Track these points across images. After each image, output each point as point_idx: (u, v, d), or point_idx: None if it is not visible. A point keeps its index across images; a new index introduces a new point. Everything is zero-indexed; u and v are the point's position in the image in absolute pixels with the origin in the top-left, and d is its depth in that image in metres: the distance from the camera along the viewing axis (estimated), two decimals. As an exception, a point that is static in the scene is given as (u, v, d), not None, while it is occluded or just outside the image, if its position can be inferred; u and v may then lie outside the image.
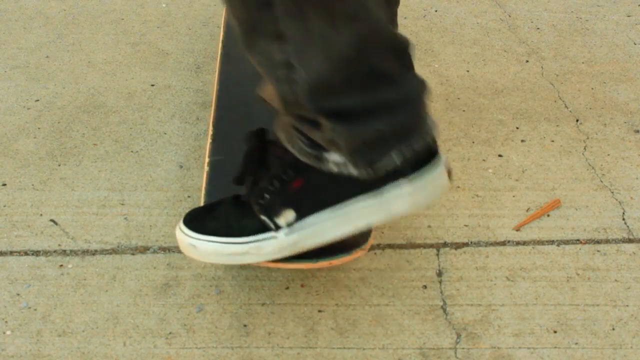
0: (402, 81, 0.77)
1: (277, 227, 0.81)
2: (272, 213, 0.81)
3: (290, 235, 0.81)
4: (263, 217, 0.82)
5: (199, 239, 0.83)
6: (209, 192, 0.93)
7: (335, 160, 0.79)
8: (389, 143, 0.78)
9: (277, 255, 0.82)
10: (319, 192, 0.81)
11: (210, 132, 1.06)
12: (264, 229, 0.82)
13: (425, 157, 0.83)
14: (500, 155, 1.20)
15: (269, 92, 0.80)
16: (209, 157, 1.01)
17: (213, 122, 1.08)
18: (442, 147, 1.20)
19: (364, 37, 0.71)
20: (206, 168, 0.97)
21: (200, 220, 0.85)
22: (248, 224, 0.82)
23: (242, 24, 0.72)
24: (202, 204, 0.91)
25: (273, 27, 0.71)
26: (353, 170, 0.79)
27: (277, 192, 0.82)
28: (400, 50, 0.77)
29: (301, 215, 0.81)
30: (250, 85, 1.17)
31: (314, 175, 0.81)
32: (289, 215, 0.81)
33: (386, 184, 0.81)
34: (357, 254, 0.83)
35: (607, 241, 1.03)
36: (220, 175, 0.96)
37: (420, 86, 0.79)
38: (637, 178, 1.16)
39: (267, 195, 0.82)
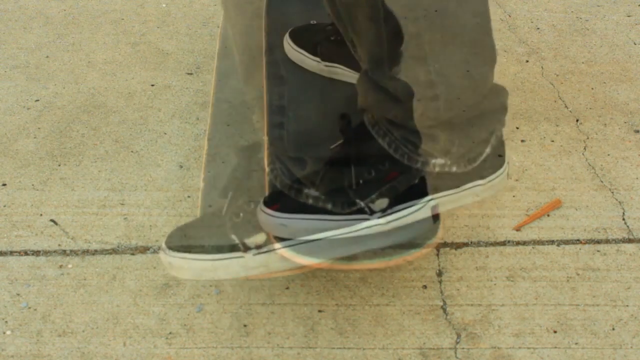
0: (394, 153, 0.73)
1: (246, 248, 0.81)
2: (241, 236, 0.82)
3: (258, 256, 0.81)
4: (232, 236, 0.83)
5: (175, 257, 0.84)
6: (205, 193, 0.93)
7: (312, 194, 0.78)
8: (368, 188, 0.76)
9: (244, 274, 0.83)
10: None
11: (207, 131, 1.06)
12: (233, 249, 0.82)
13: (407, 195, 0.78)
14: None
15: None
16: (206, 154, 1.01)
17: (210, 120, 1.08)
18: (442, 147, 1.20)
19: None
20: (203, 167, 0.97)
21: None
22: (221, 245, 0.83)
23: (243, 57, 0.71)
24: (199, 202, 0.91)
25: (275, 70, 0.70)
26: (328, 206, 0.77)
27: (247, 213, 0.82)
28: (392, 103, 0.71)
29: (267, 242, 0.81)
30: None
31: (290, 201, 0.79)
32: (258, 238, 0.81)
33: (356, 219, 0.77)
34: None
35: (607, 241, 1.03)
36: (218, 175, 0.96)
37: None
38: (637, 178, 1.16)
39: (241, 215, 0.83)
